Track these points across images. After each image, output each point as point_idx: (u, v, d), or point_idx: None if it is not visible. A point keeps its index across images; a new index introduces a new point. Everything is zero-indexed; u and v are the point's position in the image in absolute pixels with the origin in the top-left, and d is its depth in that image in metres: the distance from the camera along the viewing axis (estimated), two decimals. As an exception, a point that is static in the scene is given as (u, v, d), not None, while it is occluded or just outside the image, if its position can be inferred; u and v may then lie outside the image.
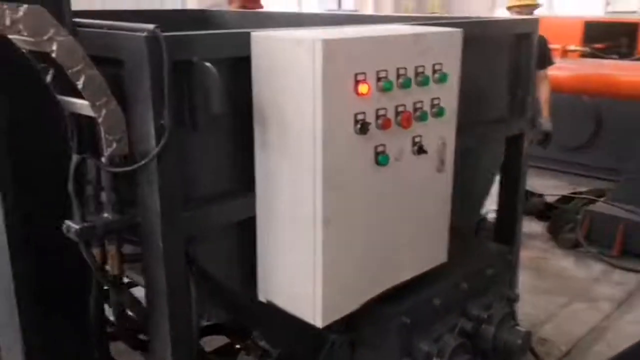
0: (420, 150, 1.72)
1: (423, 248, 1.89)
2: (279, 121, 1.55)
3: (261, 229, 1.69)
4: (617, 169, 5.52)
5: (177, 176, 1.49)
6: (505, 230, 2.70)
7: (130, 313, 1.79)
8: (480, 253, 2.22)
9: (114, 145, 1.44)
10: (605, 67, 5.57)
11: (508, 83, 2.54)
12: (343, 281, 1.64)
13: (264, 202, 1.66)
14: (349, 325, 1.87)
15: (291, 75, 1.49)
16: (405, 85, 1.61)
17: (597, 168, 6.12)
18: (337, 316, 1.66)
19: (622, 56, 6.33)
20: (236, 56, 1.56)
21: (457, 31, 1.77)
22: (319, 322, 1.62)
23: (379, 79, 1.56)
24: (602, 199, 4.96)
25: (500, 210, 2.75)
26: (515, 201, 2.68)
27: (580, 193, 5.40)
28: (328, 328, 1.89)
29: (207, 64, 1.44)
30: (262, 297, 1.75)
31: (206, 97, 1.44)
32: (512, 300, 2.19)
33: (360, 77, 1.51)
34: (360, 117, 1.54)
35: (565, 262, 4.54)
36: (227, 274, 1.75)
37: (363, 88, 1.52)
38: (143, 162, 1.42)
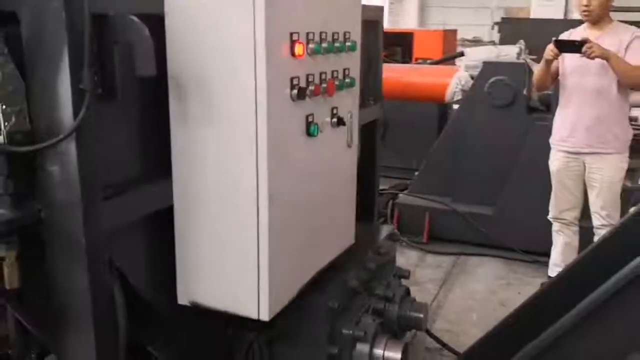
0: (340, 121, 1.64)
1: (340, 229, 1.80)
2: (203, 89, 1.35)
3: (181, 219, 1.45)
4: (406, 168, 6.03)
5: (97, 156, 1.21)
6: (366, 212, 2.73)
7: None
8: (371, 233, 2.20)
9: (13, 119, 1.12)
10: (388, 71, 6.04)
11: (362, 69, 2.58)
12: (285, 267, 1.48)
13: (184, 186, 1.43)
14: (266, 322, 1.70)
15: (221, 34, 1.31)
16: (329, 50, 1.53)
17: (389, 168, 6.60)
18: (279, 307, 1.50)
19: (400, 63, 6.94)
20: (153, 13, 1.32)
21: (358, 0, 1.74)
22: (264, 316, 1.44)
23: (308, 41, 1.45)
24: (406, 192, 5.34)
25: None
26: (373, 184, 2.73)
27: (385, 189, 5.75)
28: (244, 328, 1.72)
29: (132, 17, 1.20)
30: (183, 300, 1.50)
31: (133, 56, 1.20)
32: (405, 277, 2.21)
33: (295, 37, 1.39)
34: (295, 81, 1.41)
35: (385, 253, 4.80)
36: (141, 276, 1.47)
37: (299, 49, 1.39)
38: (62, 137, 1.12)
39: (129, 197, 1.32)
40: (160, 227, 1.47)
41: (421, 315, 2.06)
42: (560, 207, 3.99)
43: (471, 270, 4.69)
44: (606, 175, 3.70)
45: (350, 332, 1.76)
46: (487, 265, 4.78)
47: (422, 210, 5.03)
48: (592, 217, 3.89)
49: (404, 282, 2.24)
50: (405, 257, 4.70)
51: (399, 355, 1.82)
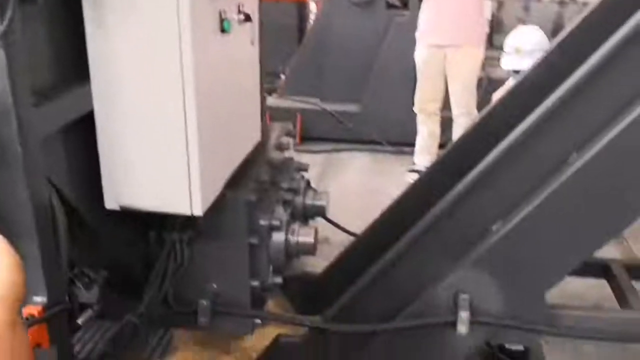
0: (247, 18, 1.65)
1: (251, 125, 1.85)
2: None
3: (104, 122, 1.42)
4: (270, 72, 6.05)
5: (24, 62, 1.15)
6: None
7: None
8: (268, 130, 2.26)
9: None
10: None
11: None
12: (211, 163, 1.52)
13: (105, 87, 1.39)
14: (185, 222, 1.75)
15: None
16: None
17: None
18: (210, 201, 1.54)
19: None
20: None
21: None
22: (198, 211, 1.48)
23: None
24: (274, 95, 5.40)
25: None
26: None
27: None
28: (166, 229, 1.76)
29: None
30: (112, 205, 1.50)
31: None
32: (305, 170, 2.32)
33: None
34: (209, -23, 1.40)
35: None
36: (73, 184, 1.44)
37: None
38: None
39: (58, 102, 1.28)
40: (89, 133, 1.43)
41: (324, 203, 2.21)
42: (424, 98, 4.28)
43: (343, 165, 4.95)
44: (466, 66, 4.01)
45: (267, 222, 1.86)
46: (358, 159, 5.07)
47: (292, 112, 5.14)
48: (452, 106, 4.23)
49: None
50: (281, 158, 4.85)
51: (312, 240, 1.96)
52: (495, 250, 1.80)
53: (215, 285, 1.85)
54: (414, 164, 4.63)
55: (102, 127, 1.43)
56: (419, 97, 4.33)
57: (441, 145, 4.58)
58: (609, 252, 3.33)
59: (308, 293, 2.44)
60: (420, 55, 4.20)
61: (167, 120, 1.39)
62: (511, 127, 1.81)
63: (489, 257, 1.81)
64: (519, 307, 1.84)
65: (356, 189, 4.45)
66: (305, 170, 2.33)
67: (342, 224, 3.39)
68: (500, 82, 3.87)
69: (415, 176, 4.44)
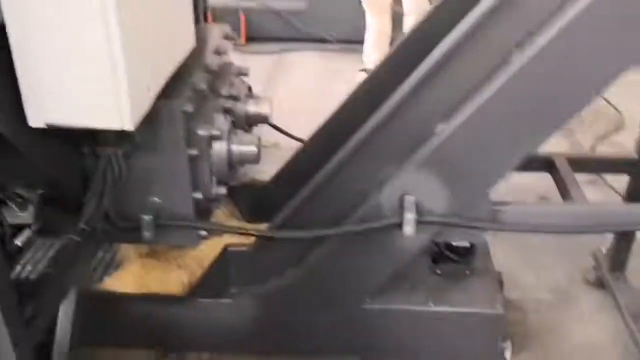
0: None
1: (182, 30, 1.74)
2: None
3: (19, 36, 1.30)
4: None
5: None
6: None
7: None
8: (205, 34, 2.14)
9: None
10: None
11: None
12: (141, 72, 1.42)
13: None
14: (119, 135, 1.66)
15: None
16: None
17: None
18: (141, 114, 1.46)
19: None
20: None
21: None
22: (129, 125, 1.40)
23: None
24: (217, -6, 5.14)
25: None
26: None
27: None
28: (100, 144, 1.68)
29: None
30: (37, 123, 1.40)
31: None
32: (245, 74, 2.23)
33: None
34: None
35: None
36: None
37: None
38: None
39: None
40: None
41: (267, 110, 2.14)
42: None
43: (292, 67, 4.83)
44: None
45: (207, 132, 1.79)
46: (306, 60, 4.95)
47: (235, 12, 4.93)
48: (403, 1, 4.10)
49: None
50: (228, 60, 4.68)
51: (254, 148, 1.91)
52: (438, 152, 1.78)
53: (157, 199, 1.80)
54: (364, 63, 4.54)
55: (16, 41, 1.31)
56: (367, -8, 4.19)
57: (391, 43, 4.49)
58: (557, 144, 3.41)
59: (257, 201, 2.42)
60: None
61: (87, 27, 1.28)
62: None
63: (432, 158, 1.79)
64: (463, 205, 1.85)
65: (307, 91, 4.37)
66: (246, 74, 2.24)
67: (293, 128, 3.34)
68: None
69: (365, 75, 4.38)
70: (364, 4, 4.26)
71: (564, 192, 2.05)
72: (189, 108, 1.69)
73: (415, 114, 1.82)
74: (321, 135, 2.32)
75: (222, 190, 1.89)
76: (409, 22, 4.08)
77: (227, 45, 2.19)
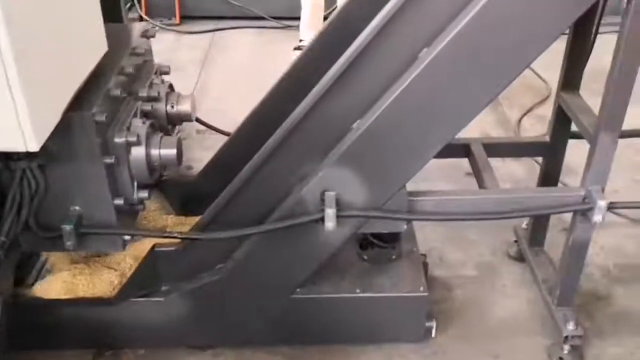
0: None
1: (90, 37, 1.72)
2: None
3: None
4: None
5: None
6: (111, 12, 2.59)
7: None
8: (123, 33, 2.12)
9: None
10: None
11: None
12: (43, 90, 1.42)
13: None
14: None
15: None
16: None
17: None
18: (47, 133, 1.46)
19: None
20: None
21: None
22: (33, 146, 1.40)
23: None
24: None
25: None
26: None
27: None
28: (10, 158, 1.67)
29: None
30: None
31: None
32: (166, 72, 2.23)
33: None
34: None
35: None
36: None
37: None
38: None
39: None
40: None
41: (189, 109, 2.14)
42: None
43: (228, 45, 4.78)
44: None
45: (123, 139, 1.79)
46: (243, 38, 4.91)
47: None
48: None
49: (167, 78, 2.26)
50: (161, 42, 4.59)
51: (174, 151, 1.92)
52: (355, 147, 1.83)
53: (77, 208, 1.81)
54: (300, 40, 4.53)
55: None
56: (298, -32, 4.16)
57: (326, 18, 4.49)
58: (483, 117, 3.50)
59: (187, 194, 2.44)
60: None
61: None
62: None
63: (350, 153, 1.84)
64: (381, 198, 1.92)
65: (244, 71, 4.35)
66: (167, 73, 2.23)
67: (230, 110, 3.34)
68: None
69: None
70: (297, -20, 4.24)
71: (479, 178, 2.13)
72: (102, 117, 1.69)
73: (332, 111, 1.85)
74: (249, 126, 2.34)
75: (144, 194, 1.91)
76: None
77: (146, 43, 2.18)
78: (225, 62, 4.52)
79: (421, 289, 2.15)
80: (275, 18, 4.95)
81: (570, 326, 2.14)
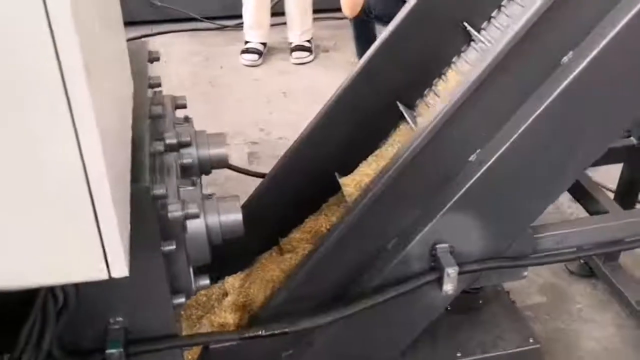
0: None
1: (125, 80, 1.17)
2: None
3: None
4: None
5: None
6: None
7: None
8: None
9: None
10: None
11: None
12: (121, 189, 0.88)
13: None
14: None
15: None
16: None
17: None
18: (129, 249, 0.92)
19: None
20: None
21: None
22: (121, 271, 0.88)
23: None
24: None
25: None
26: None
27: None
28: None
29: None
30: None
31: None
32: (183, 106, 1.68)
33: None
34: None
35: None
36: None
37: None
38: None
39: None
40: None
41: (224, 152, 1.61)
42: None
43: (165, 52, 4.14)
44: None
45: (180, 213, 1.25)
46: (178, 43, 4.30)
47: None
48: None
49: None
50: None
51: (239, 217, 1.40)
52: (478, 186, 1.41)
53: (120, 319, 1.26)
54: (246, 42, 4.01)
55: None
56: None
57: (274, 14, 4.00)
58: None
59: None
60: None
61: (52, 165, 0.73)
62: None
63: (471, 195, 1.42)
64: (504, 243, 1.51)
65: (188, 84, 3.77)
66: (184, 106, 1.69)
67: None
68: None
69: (252, 57, 3.88)
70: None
71: (589, 200, 1.78)
72: (161, 190, 1.15)
73: (450, 140, 1.42)
74: (290, 163, 1.85)
75: (205, 281, 1.38)
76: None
77: (153, 69, 1.63)
78: (165, 74, 3.88)
79: (531, 340, 1.78)
80: (208, 19, 4.38)
81: (693, 355, 1.86)
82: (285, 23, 4.06)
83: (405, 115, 1.73)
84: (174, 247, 1.21)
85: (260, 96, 3.57)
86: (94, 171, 0.75)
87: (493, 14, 1.69)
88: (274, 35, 4.11)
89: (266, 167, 2.62)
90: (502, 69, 1.33)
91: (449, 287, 1.46)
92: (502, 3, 1.67)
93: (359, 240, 1.49)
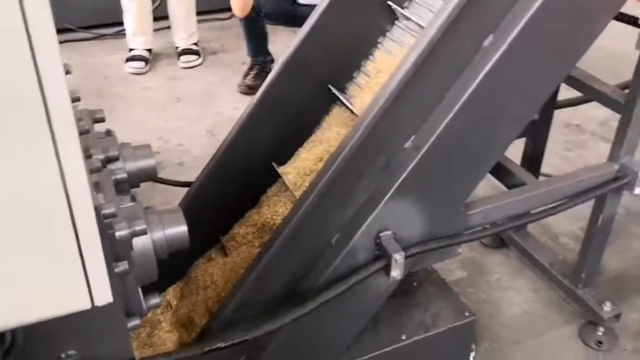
0: None
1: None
2: None
3: None
4: None
5: None
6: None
7: None
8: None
9: None
10: None
11: None
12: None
13: None
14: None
15: None
16: None
17: None
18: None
19: None
20: None
21: None
22: (104, 298, 0.81)
23: None
24: None
25: None
26: None
27: None
28: None
29: None
30: None
31: None
32: (101, 120, 1.58)
33: None
34: None
35: None
36: None
37: None
38: None
39: None
40: None
41: (153, 162, 1.54)
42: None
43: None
44: None
45: (126, 231, 1.18)
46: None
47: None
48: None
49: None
50: None
51: (184, 228, 1.35)
52: (416, 172, 1.45)
53: (73, 352, 1.16)
54: (130, 49, 3.85)
55: None
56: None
57: (156, 19, 3.88)
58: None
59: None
60: None
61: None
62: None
63: (410, 180, 1.46)
64: (442, 224, 1.57)
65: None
66: (103, 119, 1.59)
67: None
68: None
69: (138, 64, 3.74)
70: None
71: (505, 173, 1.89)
72: (110, 208, 1.08)
73: (384, 130, 1.44)
74: (217, 169, 1.79)
75: (156, 299, 1.31)
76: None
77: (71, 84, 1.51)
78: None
79: (466, 314, 1.85)
80: (83, 28, 4.16)
81: (607, 307, 2.03)
82: (169, 27, 3.94)
83: (341, 98, 1.74)
84: (127, 267, 1.14)
85: (153, 104, 3.44)
86: (77, 200, 0.69)
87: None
88: (158, 41, 3.98)
89: (172, 176, 2.55)
90: (432, 55, 1.37)
91: (396, 272, 1.49)
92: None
93: (305, 240, 1.48)
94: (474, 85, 1.39)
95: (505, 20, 1.40)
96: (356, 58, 1.78)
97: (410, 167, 1.44)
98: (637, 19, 2.65)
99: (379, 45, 1.77)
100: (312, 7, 3.42)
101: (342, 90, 1.79)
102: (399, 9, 1.71)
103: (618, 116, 1.83)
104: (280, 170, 1.74)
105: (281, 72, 1.71)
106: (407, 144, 1.47)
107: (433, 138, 1.42)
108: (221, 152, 1.78)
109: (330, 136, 1.71)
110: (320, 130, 1.78)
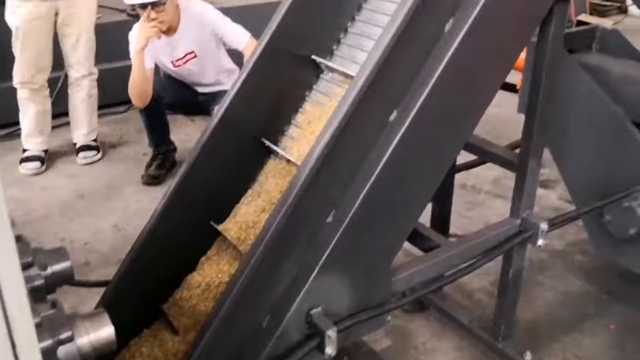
0: None
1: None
2: None
3: None
4: None
5: None
6: None
7: None
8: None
9: None
10: None
11: None
12: None
13: None
14: None
15: None
16: None
17: None
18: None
19: None
20: None
21: None
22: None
23: None
24: None
25: None
26: None
27: None
28: None
29: None
30: None
31: None
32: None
33: None
34: None
35: None
36: None
37: None
38: None
39: None
40: None
41: (69, 265, 1.48)
42: (29, 71, 3.39)
43: None
44: (84, 21, 3.27)
45: (50, 341, 1.13)
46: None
47: None
48: (69, 71, 3.47)
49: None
50: None
51: (111, 329, 1.29)
52: (341, 246, 1.49)
53: None
54: (24, 150, 3.72)
55: None
56: (20, 70, 3.40)
57: (55, 116, 3.80)
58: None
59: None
60: (18, 15, 3.24)
61: None
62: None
63: (336, 255, 1.49)
64: (369, 294, 1.60)
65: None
66: (13, 224, 1.51)
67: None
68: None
69: (34, 165, 3.62)
70: (17, 83, 3.45)
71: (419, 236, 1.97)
72: (35, 318, 1.03)
73: (305, 208, 1.47)
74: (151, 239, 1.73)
75: (86, 411, 1.23)
76: (81, 90, 3.54)
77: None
78: None
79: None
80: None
81: (528, 356, 2.12)
82: (64, 125, 3.86)
83: (277, 150, 1.76)
84: (52, 377, 1.08)
85: (54, 205, 3.31)
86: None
87: (334, 47, 1.81)
88: (53, 139, 3.88)
89: (78, 277, 2.44)
90: (343, 135, 1.44)
91: (330, 349, 1.49)
92: (340, 37, 1.81)
93: (237, 325, 1.46)
94: (387, 154, 1.46)
95: (407, 95, 1.50)
96: (287, 112, 1.82)
97: (333, 243, 1.47)
98: (515, 85, 2.92)
99: (307, 98, 1.82)
100: (211, 95, 3.52)
101: (275, 143, 1.80)
102: (323, 61, 1.78)
103: (509, 174, 1.97)
104: (221, 227, 1.73)
105: (213, 132, 1.70)
106: (329, 219, 1.51)
107: (353, 209, 1.47)
108: (156, 216, 1.73)
109: (269, 187, 1.73)
110: (257, 184, 1.78)
